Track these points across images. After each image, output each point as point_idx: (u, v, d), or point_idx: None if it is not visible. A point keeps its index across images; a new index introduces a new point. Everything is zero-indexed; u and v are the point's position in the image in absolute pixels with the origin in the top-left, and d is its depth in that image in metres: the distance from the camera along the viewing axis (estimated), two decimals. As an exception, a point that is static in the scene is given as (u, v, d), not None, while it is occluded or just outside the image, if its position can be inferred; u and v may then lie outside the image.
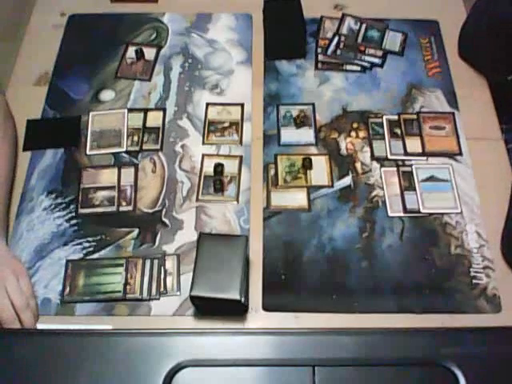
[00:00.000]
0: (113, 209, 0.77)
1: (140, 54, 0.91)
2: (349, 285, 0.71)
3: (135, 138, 0.83)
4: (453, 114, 0.85)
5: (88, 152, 0.82)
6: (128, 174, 0.80)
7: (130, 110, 0.86)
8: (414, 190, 0.78)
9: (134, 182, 0.79)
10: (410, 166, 0.80)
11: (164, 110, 0.86)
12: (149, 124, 0.85)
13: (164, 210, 0.77)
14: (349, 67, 0.91)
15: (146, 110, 0.86)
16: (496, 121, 0.85)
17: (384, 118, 0.85)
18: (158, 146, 0.83)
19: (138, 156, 0.82)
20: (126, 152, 0.82)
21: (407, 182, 0.79)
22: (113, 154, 0.82)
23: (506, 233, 0.72)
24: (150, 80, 0.89)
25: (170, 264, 0.72)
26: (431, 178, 0.79)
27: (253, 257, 0.73)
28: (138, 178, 0.80)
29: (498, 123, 0.85)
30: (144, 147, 0.82)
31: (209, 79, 0.90)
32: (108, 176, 0.80)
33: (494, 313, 0.68)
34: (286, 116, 0.85)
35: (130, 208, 0.77)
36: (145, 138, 0.83)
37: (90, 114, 0.86)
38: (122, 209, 0.77)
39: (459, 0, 0.99)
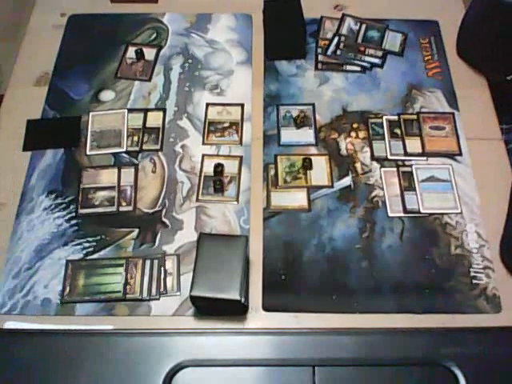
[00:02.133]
0: (113, 209, 0.77)
1: (140, 55, 0.91)
2: (349, 285, 0.71)
3: (135, 139, 0.83)
4: (453, 114, 0.85)
5: (88, 152, 0.82)
6: (128, 174, 0.80)
7: (130, 111, 0.86)
8: (414, 190, 0.78)
9: (134, 182, 0.79)
10: (410, 166, 0.80)
11: (164, 110, 0.86)
12: (149, 124, 0.85)
13: (164, 210, 0.77)
14: (349, 67, 0.91)
15: (146, 110, 0.86)
16: (496, 121, 0.85)
17: (384, 118, 0.85)
18: (158, 146, 0.83)
19: (138, 156, 0.82)
20: (126, 152, 0.82)
21: (407, 182, 0.79)
22: (113, 154, 0.82)
23: (506, 240, 0.72)
24: (150, 80, 0.89)
25: (170, 264, 0.72)
26: (431, 178, 0.79)
27: (253, 257, 0.72)
28: (138, 178, 0.80)
29: (497, 123, 0.85)
30: (144, 147, 0.82)
31: (209, 79, 0.90)
32: (108, 176, 0.80)
33: (494, 313, 0.68)
34: (285, 116, 0.85)
35: (130, 208, 0.77)
36: (145, 139, 0.83)
37: (90, 114, 0.85)
38: (121, 209, 0.77)
39: (459, 0, 0.99)
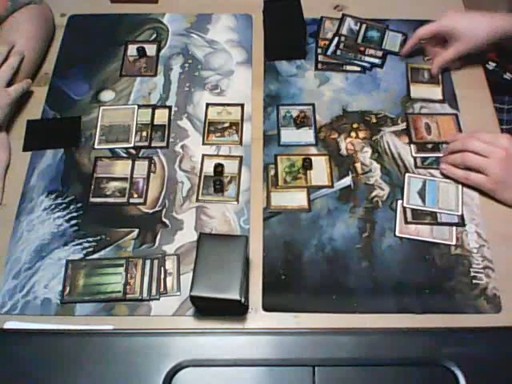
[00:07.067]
0: (123, 200, 0.77)
1: (142, 52, 0.91)
2: (349, 285, 0.71)
3: (144, 134, 0.83)
4: (455, 115, 0.85)
5: (96, 146, 0.82)
6: (142, 166, 0.80)
7: (140, 106, 0.86)
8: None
9: (147, 174, 0.80)
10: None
11: (170, 108, 0.86)
12: (155, 121, 0.85)
13: (164, 210, 0.77)
14: (349, 67, 0.91)
15: (153, 107, 0.86)
16: (496, 121, 0.85)
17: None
18: (165, 144, 0.83)
19: (140, 153, 0.82)
20: (134, 147, 0.82)
21: (407, 182, 0.79)
22: (110, 149, 0.82)
23: None
24: (155, 75, 0.90)
25: (170, 264, 0.72)
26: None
27: (253, 257, 0.72)
28: (150, 171, 0.80)
29: (497, 123, 0.85)
30: (151, 144, 0.83)
31: (209, 79, 0.90)
32: (122, 167, 0.80)
33: (494, 313, 0.68)
34: (285, 116, 0.85)
35: (141, 200, 0.77)
36: (152, 135, 0.83)
37: (101, 108, 0.86)
38: (132, 200, 0.77)
39: (459, 0, 0.99)
